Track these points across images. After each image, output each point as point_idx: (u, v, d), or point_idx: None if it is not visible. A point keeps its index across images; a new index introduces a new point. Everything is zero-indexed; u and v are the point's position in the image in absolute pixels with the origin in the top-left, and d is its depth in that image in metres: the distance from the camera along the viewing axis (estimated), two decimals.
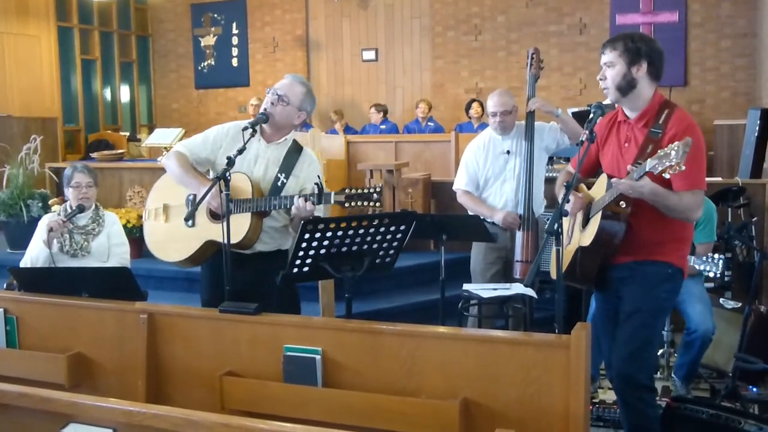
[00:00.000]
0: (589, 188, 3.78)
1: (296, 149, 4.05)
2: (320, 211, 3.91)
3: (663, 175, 3.08)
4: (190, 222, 3.77)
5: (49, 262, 4.58)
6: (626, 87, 3.49)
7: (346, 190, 3.69)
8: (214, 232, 3.82)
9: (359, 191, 3.66)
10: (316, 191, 3.68)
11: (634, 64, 3.46)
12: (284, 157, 3.99)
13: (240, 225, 3.80)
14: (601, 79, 3.55)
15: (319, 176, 3.86)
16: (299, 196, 3.70)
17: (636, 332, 3.49)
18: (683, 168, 3.02)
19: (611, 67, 3.50)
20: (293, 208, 3.72)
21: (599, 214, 3.45)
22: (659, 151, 3.13)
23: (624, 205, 3.40)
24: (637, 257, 3.50)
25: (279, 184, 3.93)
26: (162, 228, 4.07)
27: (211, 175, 4.03)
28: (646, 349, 3.52)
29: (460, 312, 5.00)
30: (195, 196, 3.87)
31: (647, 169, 3.14)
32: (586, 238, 3.54)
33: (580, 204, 3.70)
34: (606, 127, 3.70)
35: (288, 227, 4.00)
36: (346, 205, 3.69)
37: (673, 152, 3.02)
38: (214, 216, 3.86)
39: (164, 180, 4.13)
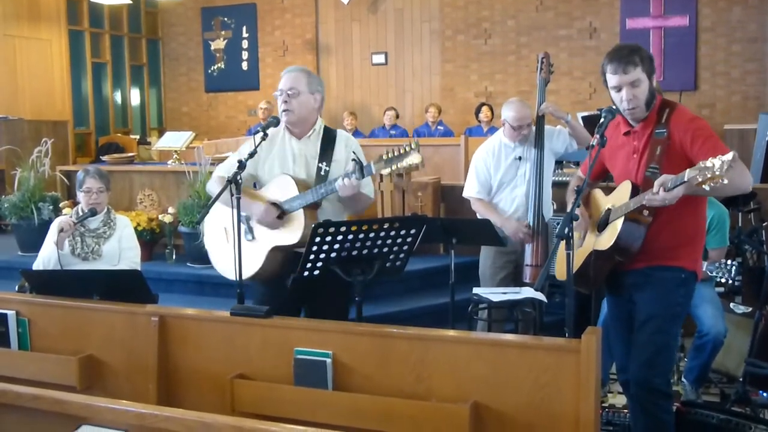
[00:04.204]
0: (607, 194, 3.75)
1: (330, 135, 4.07)
2: (368, 184, 3.95)
3: (704, 186, 2.98)
4: (249, 236, 3.87)
5: (58, 264, 4.59)
6: (651, 99, 3.43)
7: (384, 156, 3.66)
8: (276, 238, 3.87)
9: (396, 153, 3.63)
10: (357, 166, 3.70)
11: (652, 75, 3.42)
12: (320, 147, 4.01)
13: (296, 222, 3.84)
14: (629, 100, 3.40)
15: (354, 152, 3.89)
16: (341, 177, 3.72)
17: (652, 338, 3.48)
18: (725, 182, 2.92)
19: (639, 84, 3.37)
20: (338, 189, 3.74)
21: (620, 220, 3.41)
22: (700, 162, 3.01)
23: (646, 214, 3.37)
24: (651, 263, 3.48)
25: (322, 173, 3.95)
26: (227, 250, 4.00)
27: (257, 187, 4.07)
28: (662, 355, 3.51)
29: (469, 316, 5.00)
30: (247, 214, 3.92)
31: (686, 179, 3.05)
32: (604, 242, 3.51)
33: (585, 225, 3.68)
34: (611, 135, 3.63)
35: (345, 215, 4.05)
36: (388, 170, 3.67)
37: (717, 165, 2.92)
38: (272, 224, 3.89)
39: (215, 206, 4.14)
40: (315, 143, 4.04)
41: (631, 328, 3.61)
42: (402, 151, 3.63)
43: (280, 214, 3.88)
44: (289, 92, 3.95)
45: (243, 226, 3.94)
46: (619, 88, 3.42)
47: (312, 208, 3.88)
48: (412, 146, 3.62)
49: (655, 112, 3.46)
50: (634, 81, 3.38)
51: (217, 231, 4.15)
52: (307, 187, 3.89)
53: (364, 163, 3.71)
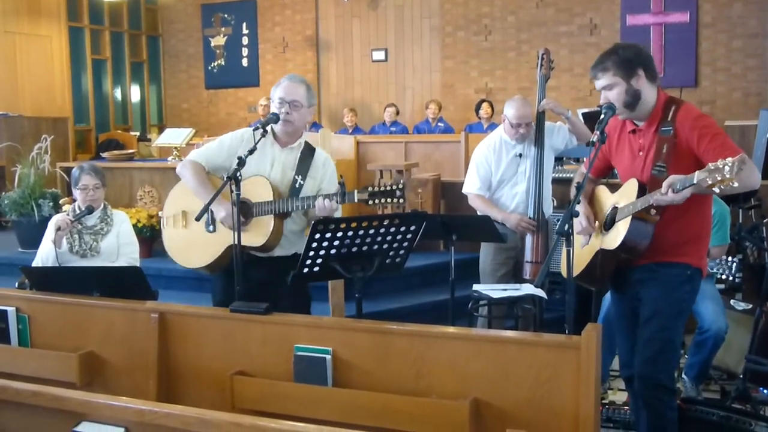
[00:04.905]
0: (611, 191, 3.73)
1: (309, 152, 4.08)
2: (339, 210, 3.93)
3: (713, 189, 2.99)
4: (211, 227, 3.81)
5: (56, 262, 4.58)
6: (633, 101, 3.43)
7: (369, 188, 3.68)
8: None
9: (383, 189, 3.65)
10: (340, 191, 3.70)
11: (632, 77, 3.40)
12: (299, 160, 4.02)
13: (263, 227, 3.84)
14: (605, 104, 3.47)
15: (341, 175, 3.89)
16: (323, 197, 3.73)
17: (656, 334, 3.47)
18: (735, 185, 2.93)
19: (611, 89, 3.44)
20: (317, 208, 3.74)
21: (627, 219, 3.39)
22: (710, 164, 3.00)
23: (654, 213, 3.36)
24: (657, 259, 3.47)
25: (297, 186, 3.96)
26: (182, 234, 4.09)
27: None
28: (666, 351, 3.51)
29: (469, 312, 4.99)
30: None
31: (695, 182, 3.04)
32: (612, 241, 3.49)
33: (589, 229, 3.65)
34: (616, 132, 3.66)
35: (305, 231, 4.02)
36: (370, 203, 3.68)
37: (727, 167, 2.91)
38: None
39: (181, 187, 4.15)
40: (295, 155, 4.05)
41: (635, 324, 3.60)
42: (388, 189, 3.65)
43: (245, 214, 3.86)
44: (293, 104, 3.96)
45: (205, 216, 3.87)
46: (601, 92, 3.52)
47: (281, 217, 3.89)
48: (400, 187, 3.64)
49: (660, 110, 3.46)
50: (606, 86, 3.46)
51: (175, 213, 4.13)
52: (281, 195, 3.90)
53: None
